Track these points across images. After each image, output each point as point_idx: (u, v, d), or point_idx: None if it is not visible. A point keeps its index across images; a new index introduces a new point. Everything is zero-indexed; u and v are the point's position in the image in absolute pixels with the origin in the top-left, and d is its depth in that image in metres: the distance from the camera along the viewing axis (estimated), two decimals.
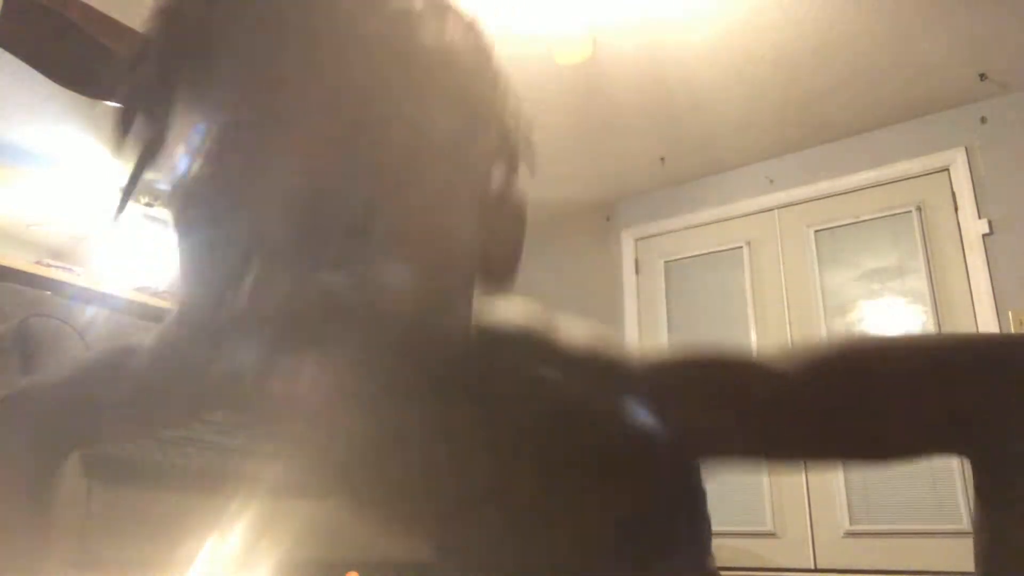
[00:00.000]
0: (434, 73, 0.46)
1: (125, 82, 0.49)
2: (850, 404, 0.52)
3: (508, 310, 0.58)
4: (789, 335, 3.68)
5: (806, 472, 3.47)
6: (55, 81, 2.78)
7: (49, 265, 2.67)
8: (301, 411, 0.56)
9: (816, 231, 3.76)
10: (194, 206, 0.45)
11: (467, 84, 0.49)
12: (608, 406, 0.53)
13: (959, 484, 3.06)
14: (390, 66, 0.43)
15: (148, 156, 0.53)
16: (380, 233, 0.43)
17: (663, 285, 4.21)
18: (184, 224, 0.47)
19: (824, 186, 3.80)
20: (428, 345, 0.49)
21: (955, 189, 3.45)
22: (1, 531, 0.68)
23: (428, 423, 0.55)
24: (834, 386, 0.52)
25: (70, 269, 2.80)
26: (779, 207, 3.90)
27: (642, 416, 0.53)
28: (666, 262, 4.26)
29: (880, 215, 3.64)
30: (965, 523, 2.94)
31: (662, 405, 0.52)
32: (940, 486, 3.14)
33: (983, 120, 3.42)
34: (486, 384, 0.55)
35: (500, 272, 0.55)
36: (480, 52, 0.51)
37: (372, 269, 0.43)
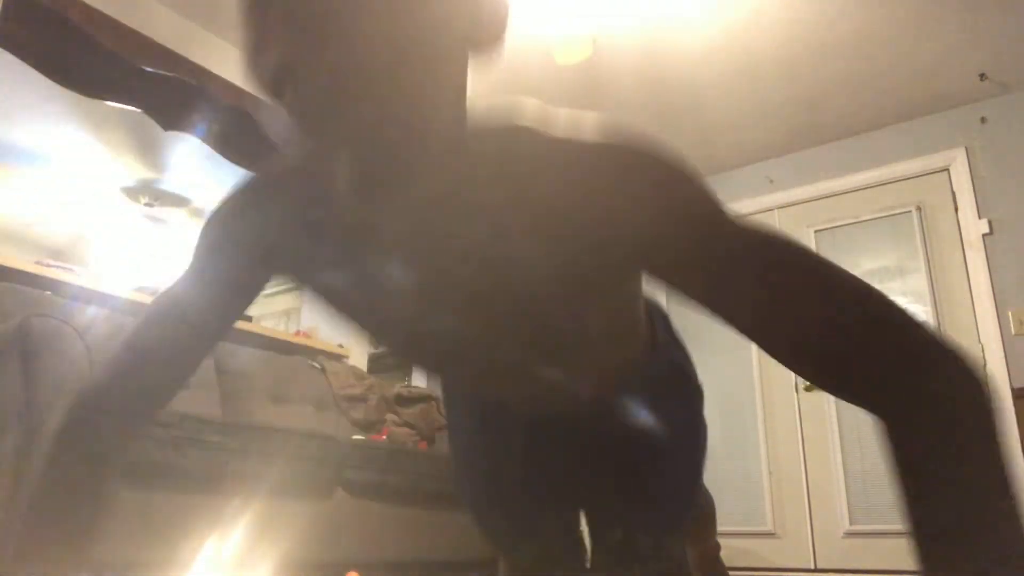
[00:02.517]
0: None
1: None
2: (764, 288, 0.57)
3: (504, 109, 0.64)
4: None
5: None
6: (55, 81, 2.79)
7: (49, 265, 2.67)
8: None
9: (816, 231, 3.76)
10: None
11: None
12: (585, 207, 0.58)
13: None
14: None
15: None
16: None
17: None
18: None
19: (824, 186, 3.80)
20: (409, 130, 0.55)
21: (955, 189, 3.45)
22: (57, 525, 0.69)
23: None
24: (761, 267, 0.57)
25: (70, 269, 2.80)
26: (779, 207, 3.90)
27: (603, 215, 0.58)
28: None
29: (880, 215, 3.64)
30: None
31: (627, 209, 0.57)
32: None
33: (983, 120, 3.42)
34: (477, 183, 0.61)
35: (489, 34, 0.62)
36: None
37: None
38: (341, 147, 0.54)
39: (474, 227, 0.63)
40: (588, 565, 1.14)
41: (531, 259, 0.63)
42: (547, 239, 0.61)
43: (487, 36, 0.60)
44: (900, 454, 0.54)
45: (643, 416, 0.97)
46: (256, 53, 0.54)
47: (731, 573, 1.66)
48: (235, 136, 3.20)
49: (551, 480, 1.07)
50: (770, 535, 3.52)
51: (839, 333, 0.56)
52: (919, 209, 3.53)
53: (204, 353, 0.77)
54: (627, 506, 1.02)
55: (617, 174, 0.57)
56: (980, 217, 3.34)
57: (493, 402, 1.00)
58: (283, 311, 5.72)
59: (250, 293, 0.75)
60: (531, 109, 0.63)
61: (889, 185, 3.65)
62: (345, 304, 0.75)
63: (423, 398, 3.07)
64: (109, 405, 0.73)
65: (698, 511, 1.38)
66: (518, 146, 0.60)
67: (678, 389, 1.05)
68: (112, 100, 2.92)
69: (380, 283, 0.69)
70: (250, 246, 0.72)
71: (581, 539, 1.17)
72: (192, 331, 0.74)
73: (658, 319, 1.03)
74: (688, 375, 1.07)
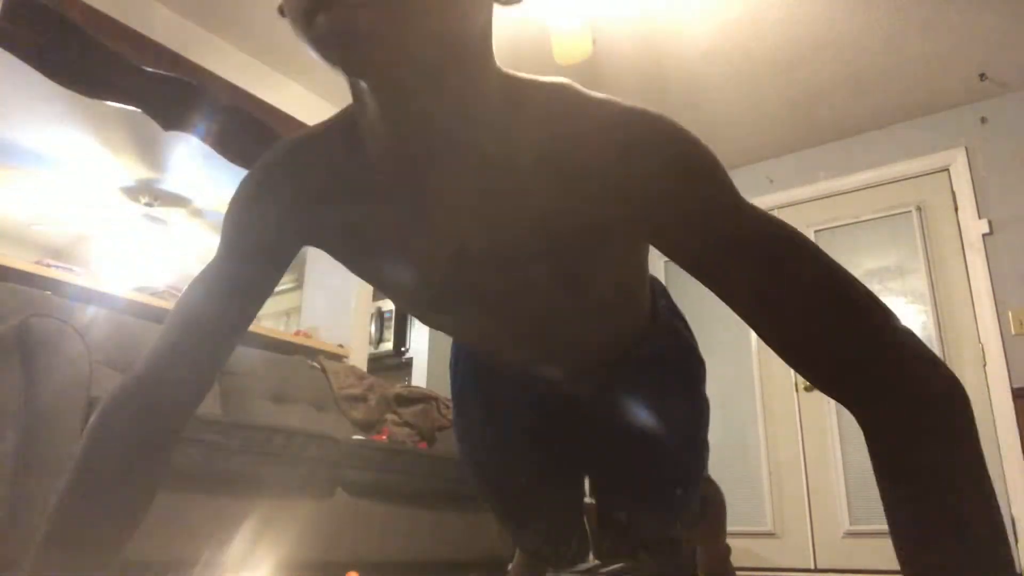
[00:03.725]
0: None
1: None
2: (766, 276, 0.58)
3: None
4: None
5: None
6: (55, 81, 2.79)
7: (49, 265, 2.67)
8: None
9: (816, 231, 3.76)
10: None
11: None
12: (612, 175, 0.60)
13: None
14: None
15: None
16: None
17: (664, 284, 4.20)
18: None
19: (824, 186, 3.80)
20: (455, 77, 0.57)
21: (955, 189, 3.45)
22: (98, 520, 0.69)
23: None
24: (763, 257, 0.59)
25: (70, 269, 2.80)
26: (779, 207, 3.89)
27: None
28: (666, 262, 4.23)
29: (880, 215, 3.64)
30: None
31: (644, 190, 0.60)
32: None
33: (983, 120, 3.42)
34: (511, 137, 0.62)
35: None
36: None
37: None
38: (376, 72, 0.55)
39: (516, 180, 0.64)
40: (593, 549, 1.15)
41: (564, 214, 0.65)
42: (579, 196, 0.63)
43: None
44: (879, 454, 0.56)
45: (649, 383, 0.98)
46: None
47: None
48: (235, 136, 3.20)
49: (559, 451, 1.08)
50: (770, 535, 3.52)
51: (833, 329, 0.57)
52: (919, 209, 3.53)
53: (245, 326, 0.77)
54: (633, 479, 1.02)
55: (649, 144, 0.61)
56: (980, 217, 3.34)
57: (509, 368, 1.00)
58: (283, 311, 5.73)
59: (282, 264, 0.76)
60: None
61: (889, 185, 3.65)
62: (380, 274, 0.76)
63: (423, 398, 3.07)
64: (144, 402, 0.72)
65: (709, 505, 1.37)
66: (562, 100, 0.63)
67: (681, 357, 1.06)
68: (112, 100, 2.92)
69: (419, 236, 0.70)
70: (280, 217, 0.72)
71: (583, 519, 1.17)
72: (232, 304, 0.74)
73: (659, 292, 1.05)
74: (690, 344, 1.09)
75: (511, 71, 0.65)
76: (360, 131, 0.66)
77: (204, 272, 0.75)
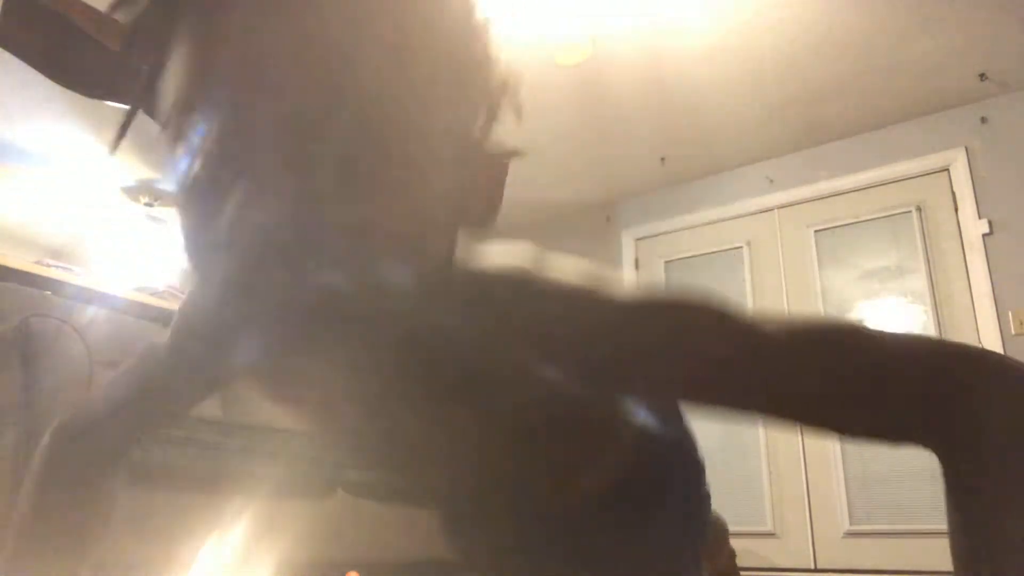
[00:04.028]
0: (415, 29, 0.46)
1: (133, 14, 0.50)
2: (820, 376, 0.53)
3: (499, 255, 0.58)
4: None
5: (800, 440, 3.47)
6: (55, 81, 2.79)
7: (49, 265, 2.67)
8: (301, 407, 0.58)
9: (816, 231, 3.76)
10: (198, 179, 0.45)
11: (448, 37, 0.49)
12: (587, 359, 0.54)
13: None
14: (374, 24, 0.44)
15: (144, 89, 0.53)
16: (377, 227, 0.44)
17: (663, 285, 4.21)
18: (187, 209, 0.47)
19: (824, 186, 3.80)
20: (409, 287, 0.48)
21: (955, 189, 3.45)
22: (55, 536, 0.71)
23: (421, 413, 0.57)
24: (809, 356, 0.53)
25: (70, 269, 2.80)
26: (779, 207, 3.90)
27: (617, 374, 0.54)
28: (666, 262, 4.26)
29: (880, 215, 3.64)
30: None
31: (643, 350, 0.53)
32: (940, 486, 3.13)
33: (983, 120, 3.42)
34: (470, 330, 0.55)
35: (480, 216, 0.55)
36: (462, 9, 0.51)
37: (372, 268, 0.44)
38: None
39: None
40: None
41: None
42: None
43: (477, 216, 0.54)
44: (955, 488, 0.51)
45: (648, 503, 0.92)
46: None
47: None
48: None
49: (543, 547, 1.02)
50: (770, 535, 3.52)
51: (888, 393, 0.52)
52: (919, 209, 3.53)
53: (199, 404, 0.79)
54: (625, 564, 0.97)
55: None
56: (980, 217, 3.34)
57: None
58: None
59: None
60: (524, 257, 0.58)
61: (889, 185, 3.65)
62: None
63: None
64: (106, 435, 0.76)
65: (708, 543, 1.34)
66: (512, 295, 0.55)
67: (681, 474, 0.99)
68: (112, 100, 2.92)
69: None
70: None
71: None
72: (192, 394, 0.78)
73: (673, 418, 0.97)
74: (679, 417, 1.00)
75: (470, 259, 0.56)
76: None
77: (161, 351, 0.75)
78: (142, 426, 0.78)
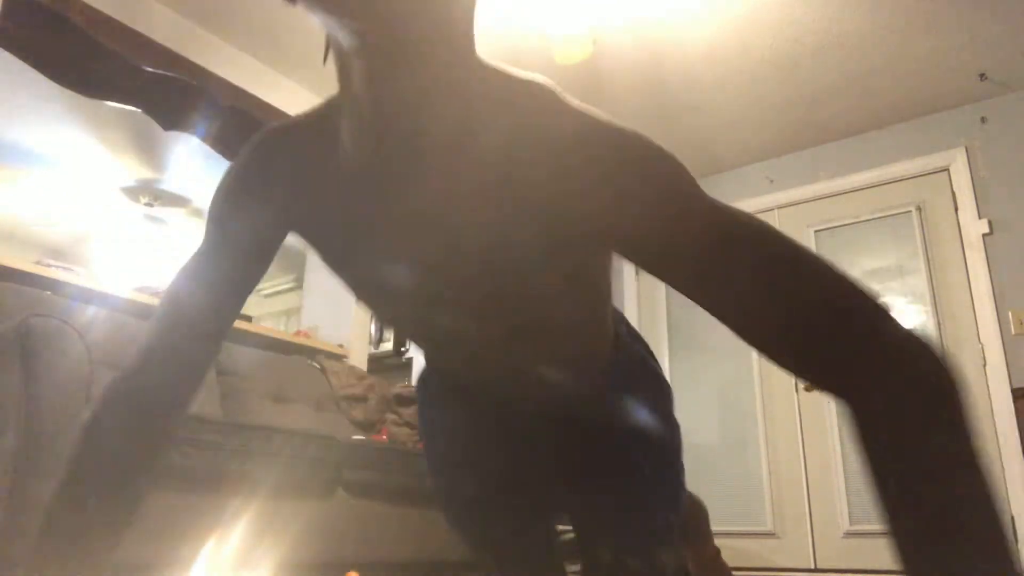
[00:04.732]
0: None
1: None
2: (733, 270, 0.58)
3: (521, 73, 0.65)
4: None
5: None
6: (55, 81, 2.79)
7: (49, 265, 2.67)
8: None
9: (816, 231, 3.76)
10: None
11: None
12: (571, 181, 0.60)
13: None
14: None
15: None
16: None
17: (664, 285, 4.20)
18: None
19: (824, 186, 3.80)
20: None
21: (955, 189, 3.45)
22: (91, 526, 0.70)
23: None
24: (732, 251, 0.58)
25: (70, 269, 2.80)
26: (779, 207, 3.90)
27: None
28: None
29: (880, 215, 3.64)
30: None
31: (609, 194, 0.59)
32: None
33: (983, 120, 3.42)
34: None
35: None
36: None
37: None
38: (361, 17, 0.54)
39: (485, 176, 0.63)
40: None
41: (528, 232, 0.65)
42: (544, 212, 0.63)
43: None
44: (862, 439, 0.54)
45: (621, 414, 0.96)
46: None
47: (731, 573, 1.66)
48: (235, 136, 3.20)
49: (533, 490, 1.04)
50: (770, 535, 3.52)
51: (812, 317, 0.57)
52: (919, 209, 3.53)
53: (231, 320, 0.76)
54: (614, 514, 0.98)
55: (620, 158, 0.60)
56: (980, 217, 3.34)
57: (476, 399, 0.99)
58: (283, 311, 5.73)
59: (267, 253, 0.75)
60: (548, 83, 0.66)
61: (889, 185, 3.65)
62: (350, 266, 0.76)
63: None
64: (143, 394, 0.72)
65: (689, 518, 1.35)
66: (540, 102, 0.62)
67: (650, 385, 1.04)
68: (112, 100, 2.92)
69: (386, 240, 0.69)
70: (263, 205, 0.72)
71: (562, 562, 1.13)
72: (217, 299, 0.74)
73: (618, 319, 1.03)
74: (656, 371, 1.06)
75: (492, 62, 0.65)
76: (339, 121, 0.66)
77: (188, 265, 0.74)
78: (184, 365, 0.74)
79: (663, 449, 1.01)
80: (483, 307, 0.73)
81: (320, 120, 0.70)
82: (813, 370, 0.57)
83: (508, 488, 1.03)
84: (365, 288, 0.78)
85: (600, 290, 0.84)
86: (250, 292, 0.76)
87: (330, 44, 0.61)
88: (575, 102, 0.63)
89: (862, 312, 0.56)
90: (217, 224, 0.73)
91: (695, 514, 1.44)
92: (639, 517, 0.97)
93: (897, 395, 0.53)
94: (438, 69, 0.60)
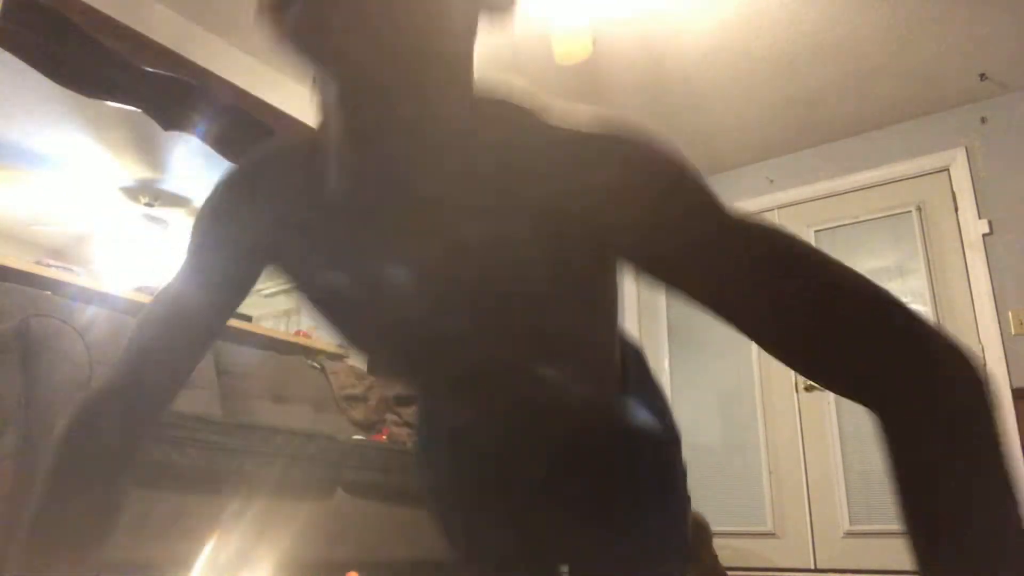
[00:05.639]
0: None
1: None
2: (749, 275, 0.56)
3: (498, 86, 0.64)
4: None
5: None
6: (55, 81, 2.79)
7: (49, 265, 2.67)
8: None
9: (816, 231, 3.76)
10: None
11: None
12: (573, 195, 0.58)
13: None
14: None
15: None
16: None
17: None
18: None
19: (824, 186, 3.80)
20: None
21: (955, 189, 3.45)
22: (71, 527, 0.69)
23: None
24: (747, 256, 0.56)
25: (70, 269, 2.80)
26: (779, 207, 3.90)
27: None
28: None
29: (880, 215, 3.64)
30: None
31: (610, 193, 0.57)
32: None
33: (983, 120, 3.42)
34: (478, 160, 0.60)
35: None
36: None
37: None
38: (344, 67, 0.53)
39: (475, 214, 0.61)
40: None
41: (527, 253, 0.62)
42: (545, 232, 0.60)
43: None
44: (897, 449, 0.53)
45: (630, 462, 0.91)
46: None
47: (731, 573, 1.66)
48: (235, 136, 3.20)
49: (532, 538, 1.00)
50: (770, 535, 3.52)
51: (838, 327, 0.55)
52: (919, 209, 3.53)
53: (203, 350, 0.76)
54: (612, 561, 0.93)
55: (616, 166, 0.57)
56: (980, 217, 3.34)
57: (474, 439, 0.95)
58: (283, 311, 5.72)
59: (244, 286, 0.74)
60: (526, 93, 0.63)
61: (889, 185, 3.65)
62: (335, 304, 0.73)
63: None
64: (112, 408, 0.72)
65: (691, 544, 1.31)
66: (520, 130, 0.60)
67: (657, 438, 0.98)
68: (112, 100, 2.92)
69: (374, 276, 0.67)
70: (240, 238, 0.71)
71: None
72: (190, 328, 0.74)
73: (632, 359, 0.98)
74: (663, 410, 1.01)
75: (484, 90, 0.63)
76: (323, 147, 0.64)
77: (170, 286, 0.74)
78: (159, 375, 0.74)
79: (675, 502, 0.98)
80: (484, 332, 0.70)
81: (302, 147, 0.68)
82: (847, 381, 0.56)
83: (506, 536, 0.99)
84: (355, 323, 0.75)
85: (605, 312, 0.79)
86: (231, 313, 0.76)
87: (315, 80, 0.60)
88: (553, 113, 0.61)
89: (898, 320, 0.55)
90: (195, 255, 0.73)
91: (699, 535, 1.43)
92: (640, 558, 0.93)
93: (937, 406, 0.52)
94: (429, 97, 0.58)
